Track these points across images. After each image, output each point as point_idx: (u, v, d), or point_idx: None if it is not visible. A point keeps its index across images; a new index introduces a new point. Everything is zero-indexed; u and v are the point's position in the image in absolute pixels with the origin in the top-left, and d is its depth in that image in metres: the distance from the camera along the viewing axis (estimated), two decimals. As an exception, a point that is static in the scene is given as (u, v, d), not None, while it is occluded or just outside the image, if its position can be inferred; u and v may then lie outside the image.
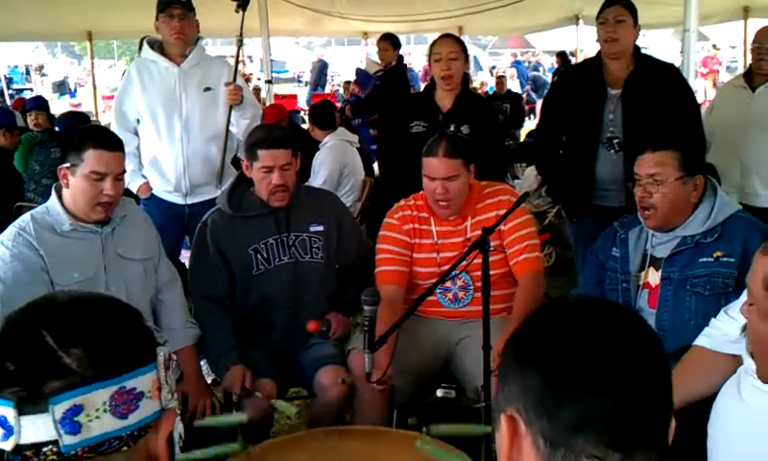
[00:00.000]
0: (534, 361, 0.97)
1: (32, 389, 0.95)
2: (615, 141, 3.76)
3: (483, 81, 18.63)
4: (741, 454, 1.92)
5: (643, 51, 3.98)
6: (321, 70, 19.21)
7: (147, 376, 1.02)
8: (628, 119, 3.72)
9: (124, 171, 2.87)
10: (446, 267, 2.86)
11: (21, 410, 0.95)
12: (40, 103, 7.37)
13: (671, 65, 4.05)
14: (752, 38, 4.67)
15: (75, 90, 22.89)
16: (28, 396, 0.95)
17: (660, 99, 3.69)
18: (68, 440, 0.95)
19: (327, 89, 17.93)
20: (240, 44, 4.40)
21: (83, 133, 2.91)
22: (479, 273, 2.69)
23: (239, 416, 2.60)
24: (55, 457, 0.95)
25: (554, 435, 0.93)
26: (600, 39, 3.80)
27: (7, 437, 0.95)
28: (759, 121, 4.44)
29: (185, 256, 4.41)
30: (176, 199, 4.15)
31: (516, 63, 20.95)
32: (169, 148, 4.07)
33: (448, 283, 3.22)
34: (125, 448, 0.99)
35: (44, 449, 0.95)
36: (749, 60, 4.86)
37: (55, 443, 0.95)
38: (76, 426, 0.95)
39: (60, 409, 0.95)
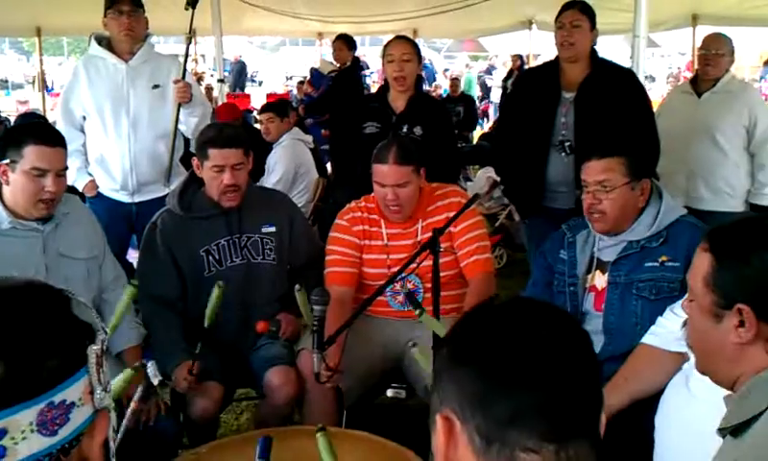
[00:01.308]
0: (468, 360, 0.99)
1: None
2: (567, 144, 3.79)
3: (438, 84, 18.71)
4: (689, 445, 1.95)
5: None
6: (239, 71, 18.98)
7: (77, 385, 0.96)
8: (580, 122, 3.75)
9: (66, 167, 2.80)
10: (396, 269, 2.86)
11: None
12: None
13: (628, 70, 4.10)
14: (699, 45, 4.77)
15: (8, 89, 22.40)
16: None
17: (614, 103, 3.71)
18: None
19: (282, 89, 17.84)
20: (189, 42, 4.35)
21: (22, 128, 2.84)
22: (429, 275, 2.69)
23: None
24: None
25: (489, 430, 0.95)
26: (557, 43, 3.83)
27: None
28: (705, 126, 4.53)
29: (132, 256, 4.35)
30: (122, 197, 4.08)
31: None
32: (116, 145, 4.01)
33: (398, 286, 3.22)
34: None
35: None
36: (696, 68, 4.95)
37: None
38: (1, 450, 0.89)
39: None
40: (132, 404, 2.34)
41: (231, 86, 18.20)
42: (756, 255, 1.41)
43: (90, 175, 4.08)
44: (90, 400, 0.98)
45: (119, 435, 2.30)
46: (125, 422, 2.30)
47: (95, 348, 1.00)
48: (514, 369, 0.96)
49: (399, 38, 4.18)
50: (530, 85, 4.06)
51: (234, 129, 3.37)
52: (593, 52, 3.87)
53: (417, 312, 2.50)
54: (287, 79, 20.96)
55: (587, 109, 3.74)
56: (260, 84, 23.00)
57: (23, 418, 0.90)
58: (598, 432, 0.98)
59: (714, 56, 4.54)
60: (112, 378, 2.39)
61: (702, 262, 1.48)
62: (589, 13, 3.80)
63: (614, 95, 3.75)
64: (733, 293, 1.42)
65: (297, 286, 2.77)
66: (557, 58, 3.93)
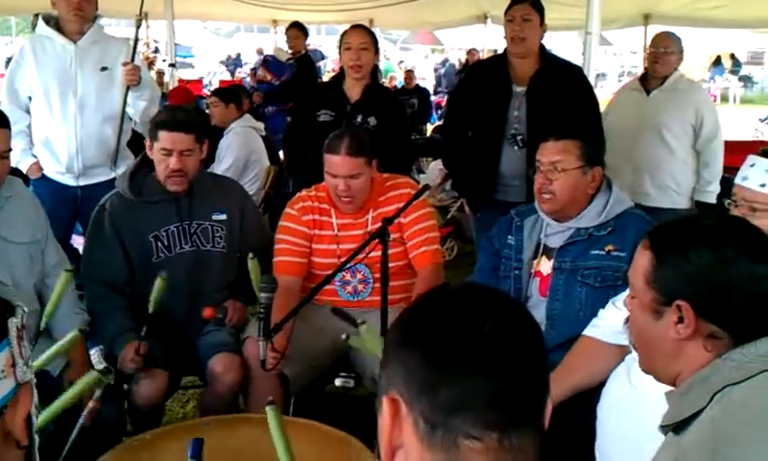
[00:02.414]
0: (416, 343, 0.98)
1: None
2: (519, 138, 3.82)
3: (392, 75, 18.72)
4: (631, 435, 1.99)
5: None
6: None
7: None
8: (532, 116, 3.78)
9: (9, 149, 2.74)
10: (346, 259, 2.86)
11: None
12: None
13: (576, 66, 4.14)
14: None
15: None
16: None
17: (563, 98, 3.75)
18: None
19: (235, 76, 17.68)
20: (139, 24, 4.28)
21: None
22: (379, 265, 2.69)
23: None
24: None
25: (434, 416, 0.94)
26: (507, 37, 3.85)
27: None
28: (652, 123, 4.60)
29: (76, 241, 4.27)
30: (67, 180, 4.00)
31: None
32: (62, 127, 3.93)
33: (348, 276, 3.22)
34: None
35: None
36: (645, 65, 5.02)
37: None
38: None
39: None
40: (91, 403, 2.32)
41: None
42: (694, 253, 1.42)
43: (35, 157, 3.99)
44: (12, 374, 0.98)
45: (75, 432, 2.29)
46: (81, 420, 2.28)
47: (15, 320, 0.99)
48: (461, 356, 0.95)
49: (357, 27, 4.16)
50: (479, 79, 4.07)
51: (188, 114, 3.30)
52: (542, 47, 3.91)
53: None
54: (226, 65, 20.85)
55: (539, 103, 3.78)
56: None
57: None
58: (542, 421, 0.98)
59: (663, 54, 4.61)
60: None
61: (642, 260, 1.50)
62: (539, 8, 3.84)
63: (564, 90, 3.79)
64: (673, 290, 1.44)
65: (250, 254, 2.80)
66: (505, 52, 3.95)
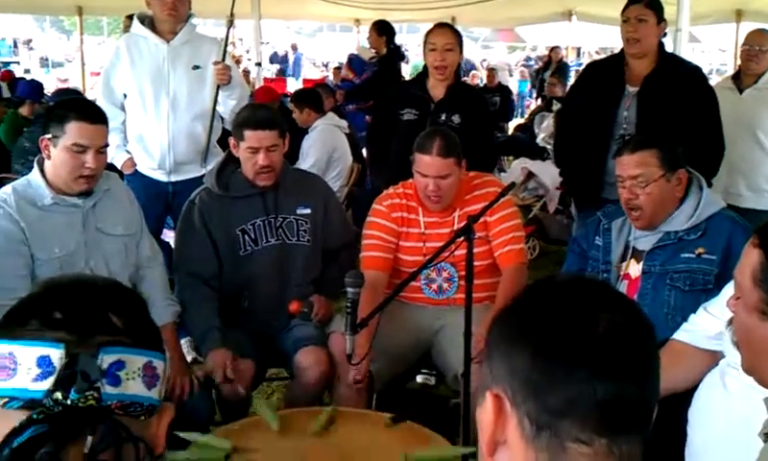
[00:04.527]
0: (523, 340, 0.95)
1: (84, 337, 0.98)
2: (627, 139, 3.72)
3: (474, 73, 18.62)
4: (723, 441, 1.94)
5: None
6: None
7: (162, 364, 1.06)
8: (642, 118, 3.66)
9: (106, 144, 2.84)
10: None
11: (69, 354, 0.97)
12: (36, 91, 7.10)
13: (695, 66, 4.00)
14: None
15: (48, 67, 22.70)
16: (78, 341, 0.98)
17: (678, 99, 3.62)
18: (108, 389, 0.98)
19: (317, 75, 17.87)
20: (230, 25, 4.37)
21: (65, 104, 2.87)
22: (463, 263, 2.68)
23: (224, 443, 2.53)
24: (94, 403, 0.97)
25: (540, 417, 0.92)
26: (622, 38, 3.75)
27: (45, 377, 0.97)
28: (746, 122, 4.47)
29: (167, 235, 4.40)
30: (159, 176, 4.12)
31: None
32: (155, 125, 4.04)
33: (433, 274, 3.23)
34: (143, 417, 1.02)
35: (87, 393, 0.97)
36: (738, 63, 4.88)
37: (97, 389, 0.97)
38: (117, 380, 0.99)
39: (108, 360, 0.98)
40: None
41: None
42: None
43: (129, 153, 4.12)
44: (163, 388, 1.08)
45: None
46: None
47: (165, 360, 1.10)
48: (572, 358, 0.92)
49: (442, 26, 4.12)
50: (593, 78, 3.97)
51: (269, 111, 3.38)
52: (661, 46, 3.78)
53: None
54: (323, 65, 21.02)
55: (649, 105, 3.65)
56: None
57: (136, 361, 1.02)
58: (650, 426, 0.95)
59: (758, 52, 4.48)
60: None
61: (750, 258, 1.44)
62: (656, 8, 3.71)
63: (680, 92, 3.65)
64: None
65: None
66: (622, 51, 3.84)
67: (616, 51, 4.04)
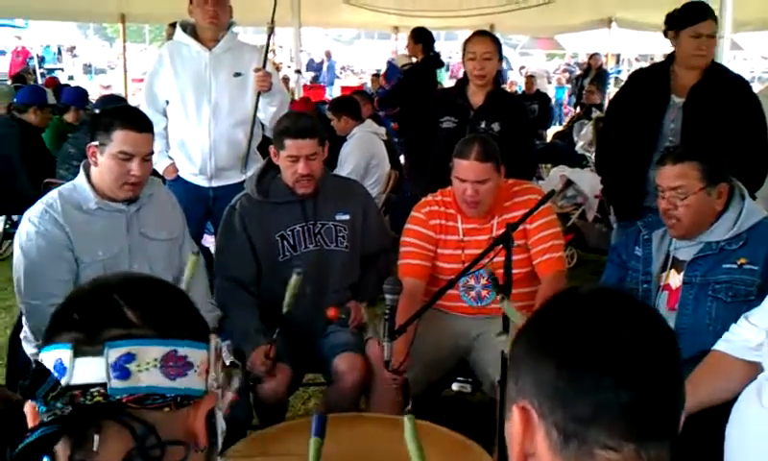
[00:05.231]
0: (548, 353, 0.97)
1: (91, 333, 0.99)
2: (670, 149, 3.67)
3: (513, 80, 18.58)
4: (760, 458, 1.92)
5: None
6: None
7: (199, 352, 1.05)
8: (688, 129, 3.60)
9: (152, 152, 2.89)
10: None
11: (77, 352, 0.98)
12: (81, 98, 7.24)
13: (741, 78, 3.93)
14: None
15: (91, 74, 23.06)
16: (86, 339, 0.99)
17: (724, 111, 3.57)
18: (116, 384, 0.98)
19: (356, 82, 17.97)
20: (271, 32, 4.42)
21: (112, 112, 2.93)
22: (502, 271, 2.68)
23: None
24: (101, 399, 0.98)
25: (567, 426, 0.93)
26: (691, 52, 3.62)
27: (59, 378, 0.98)
28: (790, 131, 4.39)
29: (207, 240, 4.45)
30: (201, 182, 4.18)
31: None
32: (197, 131, 4.10)
33: (472, 281, 3.24)
34: (167, 408, 1.01)
35: (92, 390, 0.98)
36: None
37: (103, 385, 0.97)
38: (125, 373, 0.98)
39: (114, 353, 0.98)
40: (230, 395, 2.40)
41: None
42: None
43: (171, 158, 4.19)
44: (205, 378, 1.07)
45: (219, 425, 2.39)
46: (222, 413, 2.36)
47: (215, 339, 1.11)
48: (596, 366, 0.93)
49: (481, 35, 4.12)
50: (638, 88, 3.89)
51: (309, 119, 3.40)
52: None
53: (499, 297, 2.51)
54: (362, 72, 21.14)
55: (696, 116, 3.59)
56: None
57: (151, 352, 1.00)
58: (677, 434, 0.96)
59: (803, 59, 4.41)
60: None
61: None
62: (716, 21, 3.71)
63: (726, 103, 3.59)
64: None
65: (296, 270, 2.88)
66: (667, 60, 3.77)
67: (656, 58, 4.00)
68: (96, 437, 0.97)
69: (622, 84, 4.69)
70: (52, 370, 0.99)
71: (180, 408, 1.03)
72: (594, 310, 0.99)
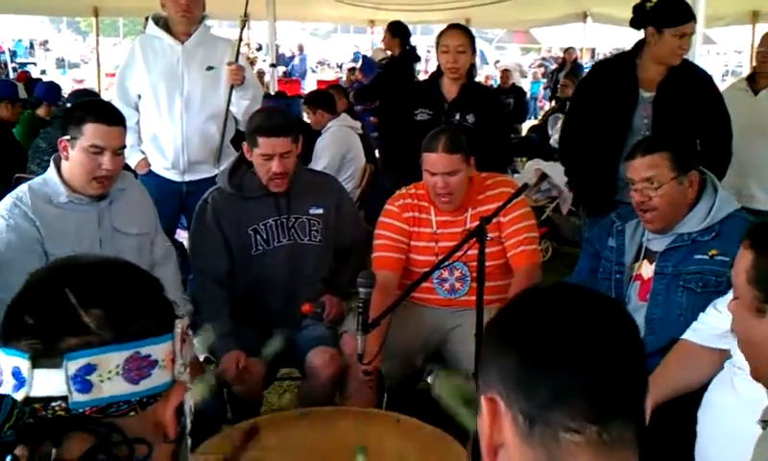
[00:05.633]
0: (510, 343, 1.00)
1: (48, 343, 0.96)
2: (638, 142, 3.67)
3: (488, 74, 18.62)
4: (733, 442, 1.94)
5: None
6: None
7: (163, 346, 1.02)
8: (658, 125, 3.62)
9: (124, 146, 2.87)
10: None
11: (35, 363, 0.96)
12: (54, 93, 7.14)
13: (705, 72, 3.95)
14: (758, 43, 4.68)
15: (64, 68, 22.84)
16: (44, 349, 0.96)
17: (692, 106, 3.60)
18: (77, 397, 0.95)
19: (332, 76, 17.92)
20: (243, 25, 4.39)
21: (84, 106, 2.90)
22: (476, 264, 2.69)
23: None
24: (63, 413, 0.96)
25: (532, 412, 0.95)
26: (671, 52, 3.60)
27: (18, 388, 0.96)
28: (760, 124, 4.44)
29: (181, 235, 4.42)
30: (173, 176, 4.15)
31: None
32: (169, 125, 4.07)
33: (445, 273, 3.24)
34: (132, 413, 1.00)
35: (53, 404, 0.95)
36: (753, 65, 4.86)
37: (64, 399, 0.95)
38: (87, 385, 0.96)
39: (73, 366, 0.95)
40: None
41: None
42: None
43: (143, 153, 4.15)
44: (171, 368, 1.04)
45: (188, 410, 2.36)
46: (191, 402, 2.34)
47: (181, 322, 1.08)
48: (555, 349, 0.96)
49: (454, 28, 4.13)
50: (604, 80, 3.84)
51: (283, 117, 3.36)
52: None
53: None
54: (338, 66, 21.08)
55: (666, 111, 3.61)
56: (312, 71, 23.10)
57: (112, 359, 0.97)
58: (643, 415, 0.98)
59: (774, 54, 4.46)
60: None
61: (743, 259, 1.50)
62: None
63: (693, 98, 3.62)
64: None
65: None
66: (632, 52, 3.76)
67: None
68: (54, 450, 0.95)
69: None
70: (10, 376, 0.96)
71: (146, 407, 1.01)
72: (553, 301, 1.03)
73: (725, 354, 2.27)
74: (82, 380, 0.96)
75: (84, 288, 1.00)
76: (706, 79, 3.84)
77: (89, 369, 0.96)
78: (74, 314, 0.98)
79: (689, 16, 3.62)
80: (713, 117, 3.70)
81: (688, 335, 2.50)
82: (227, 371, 2.98)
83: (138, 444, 0.99)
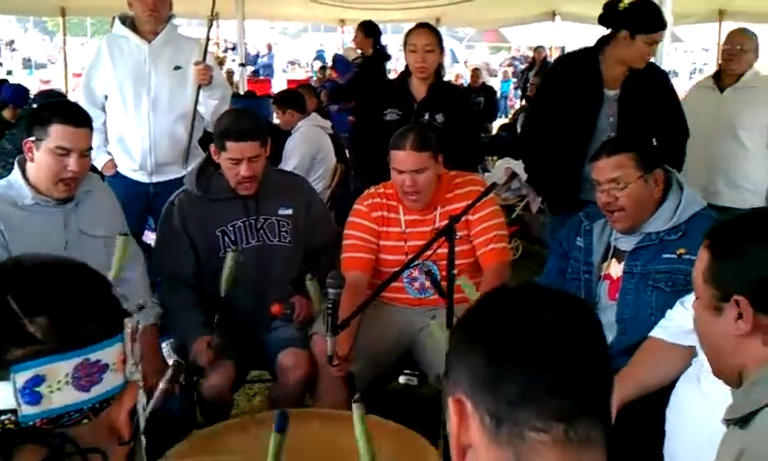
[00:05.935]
0: (477, 343, 1.00)
1: None
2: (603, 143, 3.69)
3: (459, 73, 18.68)
4: (701, 439, 1.96)
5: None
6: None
7: (112, 349, 1.00)
8: (623, 123, 3.65)
9: (90, 148, 2.83)
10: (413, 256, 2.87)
11: None
12: (21, 96, 7.04)
13: (663, 71, 4.01)
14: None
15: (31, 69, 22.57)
16: None
17: (652, 104, 3.66)
18: (27, 410, 0.93)
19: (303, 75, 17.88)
20: (211, 24, 4.35)
21: (49, 106, 2.86)
22: (445, 262, 2.69)
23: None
24: (12, 426, 0.93)
25: (499, 411, 0.96)
26: (642, 56, 3.62)
27: None
28: (726, 121, 4.50)
29: (148, 237, 4.38)
30: (140, 177, 4.11)
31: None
32: (136, 125, 4.03)
33: (415, 273, 3.23)
34: (85, 420, 0.97)
35: (2, 418, 0.93)
36: (719, 63, 4.92)
37: (13, 412, 0.93)
38: (36, 397, 0.93)
39: (21, 378, 0.92)
40: (162, 385, 2.34)
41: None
42: (751, 247, 1.44)
43: (110, 154, 4.10)
44: (122, 369, 1.02)
45: (146, 413, 2.32)
46: (153, 402, 2.30)
47: (130, 322, 1.05)
48: (521, 349, 0.97)
49: (422, 27, 4.10)
50: (567, 77, 3.81)
51: (251, 119, 3.26)
52: None
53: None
54: (308, 65, 21.02)
55: (630, 110, 3.65)
56: (283, 71, 23.02)
57: (60, 368, 0.95)
58: (609, 414, 0.99)
59: (739, 51, 4.51)
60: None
61: (701, 260, 1.52)
62: None
63: (653, 95, 3.68)
64: (730, 285, 1.44)
65: (308, 275, 2.86)
66: (594, 49, 3.74)
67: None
68: None
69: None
70: None
71: (99, 413, 0.99)
72: (519, 300, 1.03)
73: (692, 351, 2.29)
74: (30, 392, 0.93)
75: (27, 295, 0.97)
76: (664, 77, 3.90)
77: (38, 380, 0.93)
78: (18, 324, 0.95)
79: (663, 25, 3.66)
80: (670, 116, 3.76)
81: (657, 332, 2.52)
82: (199, 354, 2.95)
83: (92, 453, 0.97)
